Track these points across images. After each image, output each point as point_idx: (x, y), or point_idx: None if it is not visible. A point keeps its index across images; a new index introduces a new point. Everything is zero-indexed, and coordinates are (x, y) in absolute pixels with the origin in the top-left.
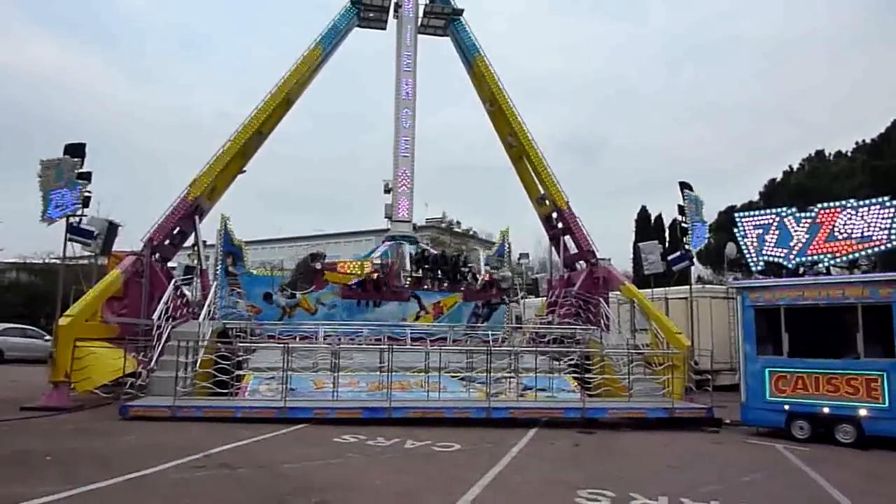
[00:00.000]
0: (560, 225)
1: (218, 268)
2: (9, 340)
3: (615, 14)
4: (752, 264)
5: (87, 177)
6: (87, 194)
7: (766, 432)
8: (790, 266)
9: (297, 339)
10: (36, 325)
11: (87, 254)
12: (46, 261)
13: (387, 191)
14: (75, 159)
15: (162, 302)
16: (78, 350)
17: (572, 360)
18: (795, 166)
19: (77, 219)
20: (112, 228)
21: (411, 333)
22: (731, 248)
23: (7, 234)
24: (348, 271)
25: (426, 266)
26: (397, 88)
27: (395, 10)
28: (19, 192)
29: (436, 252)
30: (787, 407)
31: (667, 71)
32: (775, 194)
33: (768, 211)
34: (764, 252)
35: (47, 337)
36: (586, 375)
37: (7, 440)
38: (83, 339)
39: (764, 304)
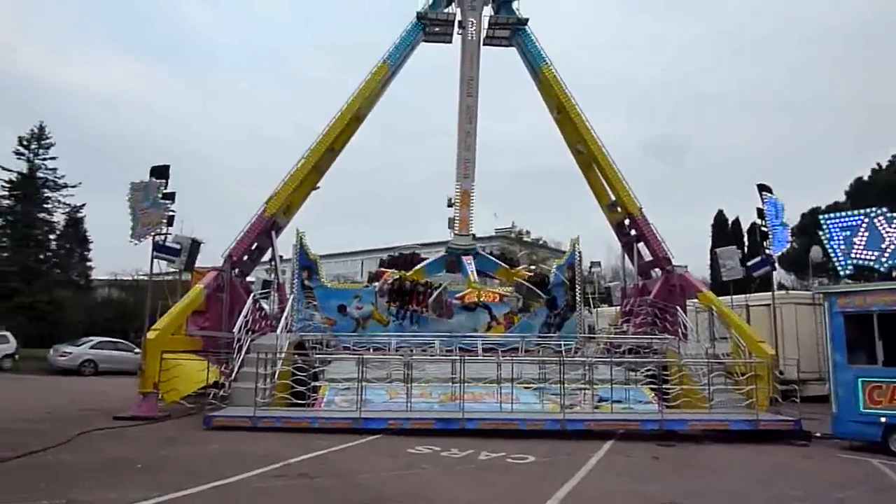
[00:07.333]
0: (633, 232)
1: (294, 281)
2: (102, 353)
3: (685, 9)
4: (839, 268)
5: (171, 197)
6: (171, 213)
7: (860, 446)
8: (882, 269)
9: (371, 350)
10: (126, 339)
11: (172, 270)
12: (135, 277)
13: (450, 205)
14: (160, 180)
15: (242, 315)
16: (165, 362)
17: (649, 370)
18: (884, 163)
19: (162, 237)
20: (195, 245)
21: (483, 344)
22: (816, 252)
23: (99, 253)
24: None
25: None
26: (461, 103)
27: (460, 24)
28: (108, 211)
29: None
30: (883, 419)
31: (738, 66)
32: (862, 194)
33: (856, 212)
34: (853, 255)
35: (137, 350)
36: (664, 386)
37: (101, 448)
38: (169, 352)
39: (854, 311)
